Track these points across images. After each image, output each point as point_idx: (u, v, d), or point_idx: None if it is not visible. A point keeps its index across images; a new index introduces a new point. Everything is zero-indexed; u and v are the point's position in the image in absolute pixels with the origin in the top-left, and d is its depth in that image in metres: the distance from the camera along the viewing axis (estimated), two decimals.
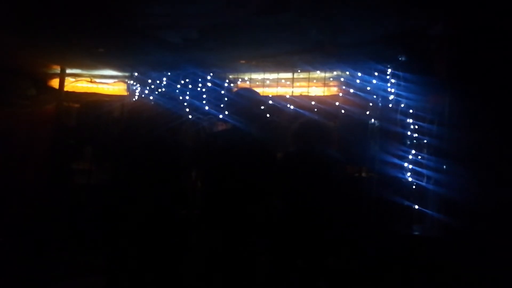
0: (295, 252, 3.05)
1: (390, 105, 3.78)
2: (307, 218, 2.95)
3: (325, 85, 4.49)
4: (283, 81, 4.70)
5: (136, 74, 5.25)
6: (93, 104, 5.70)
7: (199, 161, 3.07)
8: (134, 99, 5.21)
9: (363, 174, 4.12)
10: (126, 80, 5.47)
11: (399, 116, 3.70)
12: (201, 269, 3.02)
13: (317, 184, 2.96)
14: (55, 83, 5.48)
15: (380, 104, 3.89)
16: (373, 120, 4.00)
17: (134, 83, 5.30)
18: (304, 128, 3.17)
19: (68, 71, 5.43)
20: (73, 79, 5.58)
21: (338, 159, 3.17)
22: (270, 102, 4.60)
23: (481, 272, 2.93)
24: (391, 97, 3.79)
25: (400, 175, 3.59)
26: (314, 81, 4.57)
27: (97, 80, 5.64)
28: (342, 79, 4.32)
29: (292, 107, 4.42)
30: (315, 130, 3.13)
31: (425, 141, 3.60)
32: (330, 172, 3.03)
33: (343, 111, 4.19)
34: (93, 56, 4.63)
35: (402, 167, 3.60)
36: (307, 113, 3.98)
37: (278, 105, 4.47)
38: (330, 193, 2.99)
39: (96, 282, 3.55)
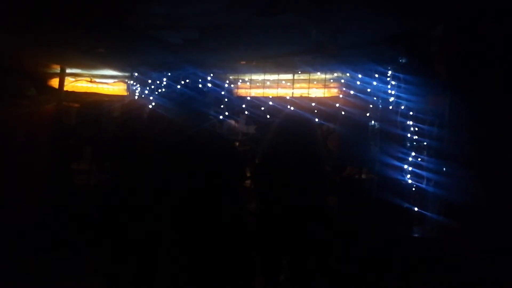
0: (279, 253, 3.05)
1: (391, 107, 3.77)
2: (287, 217, 2.92)
3: (325, 86, 4.48)
4: (283, 82, 4.70)
5: (136, 74, 5.25)
6: (93, 104, 5.71)
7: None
8: (134, 99, 5.21)
9: (363, 176, 4.12)
10: (126, 80, 5.47)
11: (399, 118, 3.70)
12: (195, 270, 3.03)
13: (295, 182, 2.93)
14: (55, 83, 5.48)
15: (380, 106, 3.89)
16: (373, 121, 4.00)
17: (134, 83, 5.30)
18: (282, 126, 3.12)
19: (68, 71, 5.43)
20: (73, 79, 5.58)
21: (317, 157, 3.11)
22: (270, 103, 4.60)
23: (481, 275, 2.92)
24: (392, 98, 3.79)
25: (400, 177, 3.58)
26: (315, 82, 4.57)
27: (97, 80, 5.64)
28: (342, 81, 4.31)
29: (292, 108, 4.41)
30: (294, 127, 3.07)
31: (425, 143, 3.60)
32: (307, 171, 2.99)
33: (343, 113, 4.19)
34: (93, 56, 4.62)
35: (402, 169, 3.60)
36: (308, 115, 3.97)
37: (278, 106, 4.47)
38: (308, 191, 2.95)
39: (96, 283, 3.55)
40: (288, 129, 3.06)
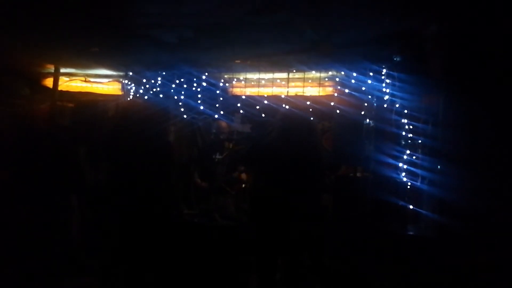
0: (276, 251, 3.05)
1: (385, 105, 3.77)
2: (281, 216, 2.92)
3: (320, 85, 4.49)
4: (278, 81, 4.70)
5: (130, 73, 5.23)
6: (87, 103, 5.68)
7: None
8: (128, 99, 5.19)
9: (358, 174, 4.12)
10: (121, 80, 5.45)
11: (394, 116, 3.70)
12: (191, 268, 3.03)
13: (291, 182, 2.93)
14: (49, 82, 5.45)
15: (375, 104, 3.89)
16: (368, 120, 4.00)
17: (129, 83, 5.28)
18: (282, 127, 3.13)
19: (62, 70, 5.40)
20: (67, 79, 5.55)
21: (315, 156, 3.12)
22: (265, 102, 4.60)
23: (475, 272, 2.93)
24: (386, 97, 3.79)
25: (395, 175, 3.59)
26: (309, 81, 4.58)
27: (92, 79, 5.62)
28: (337, 79, 4.32)
29: (287, 107, 4.41)
30: (296, 128, 3.08)
31: (420, 141, 3.61)
32: (304, 171, 3.00)
33: (338, 111, 4.19)
34: (88, 55, 4.61)
35: (397, 167, 3.61)
36: (303, 113, 3.98)
37: (273, 105, 4.47)
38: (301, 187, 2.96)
39: (92, 282, 3.54)
40: (290, 130, 3.07)
